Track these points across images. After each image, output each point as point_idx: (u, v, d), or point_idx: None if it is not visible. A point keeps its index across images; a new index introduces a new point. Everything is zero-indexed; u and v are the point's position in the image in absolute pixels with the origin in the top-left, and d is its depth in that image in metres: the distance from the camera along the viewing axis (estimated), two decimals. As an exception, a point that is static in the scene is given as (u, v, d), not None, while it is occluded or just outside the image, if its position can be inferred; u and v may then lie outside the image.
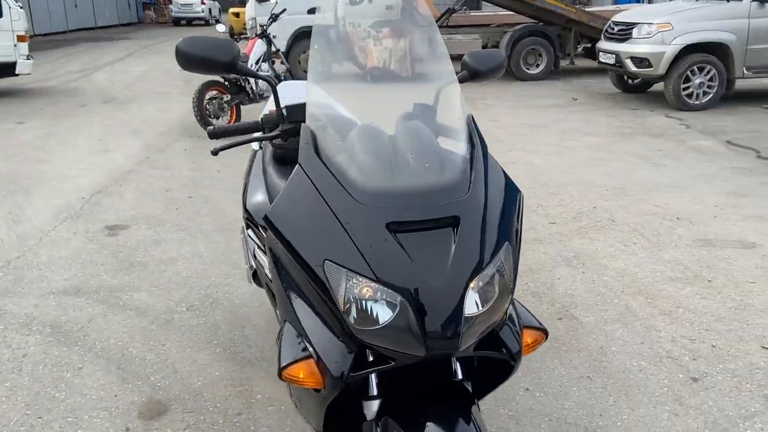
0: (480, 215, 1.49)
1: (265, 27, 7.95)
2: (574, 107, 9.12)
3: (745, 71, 8.71)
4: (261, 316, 3.33)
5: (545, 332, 1.69)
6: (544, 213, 4.86)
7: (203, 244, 4.31)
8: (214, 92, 7.31)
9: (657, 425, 2.49)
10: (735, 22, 8.56)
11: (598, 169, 5.96)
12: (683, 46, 8.50)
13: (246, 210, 2.71)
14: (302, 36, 11.26)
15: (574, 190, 5.39)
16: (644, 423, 2.50)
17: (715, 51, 8.57)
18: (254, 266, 2.80)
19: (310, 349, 1.51)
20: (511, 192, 1.61)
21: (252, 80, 7.69)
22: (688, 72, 8.55)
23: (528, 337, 1.65)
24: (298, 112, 1.82)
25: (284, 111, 1.83)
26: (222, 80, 7.31)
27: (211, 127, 1.88)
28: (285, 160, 2.61)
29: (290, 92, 3.10)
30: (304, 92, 3.14)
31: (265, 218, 1.58)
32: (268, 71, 7.97)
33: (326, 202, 1.49)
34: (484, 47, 11.78)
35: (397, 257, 1.40)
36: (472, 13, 14.04)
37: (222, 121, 7.33)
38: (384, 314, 1.38)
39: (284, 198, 1.58)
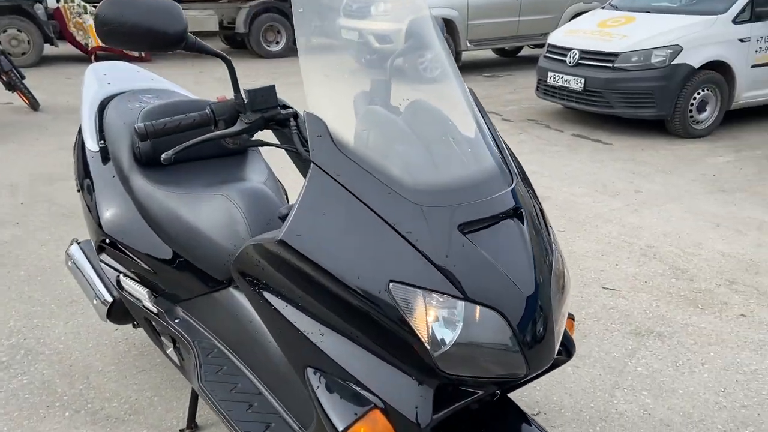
0: (530, 201, 1.32)
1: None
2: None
3: (468, 44, 9.62)
4: (105, 358, 2.70)
5: (572, 318, 1.59)
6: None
7: (-27, 281, 3.37)
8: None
9: (568, 380, 2.59)
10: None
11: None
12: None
13: (101, 230, 2.14)
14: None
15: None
16: (558, 380, 2.58)
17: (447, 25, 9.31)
18: (114, 299, 2.24)
19: (371, 398, 1.20)
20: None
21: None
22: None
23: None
24: (264, 97, 1.42)
25: (245, 97, 1.41)
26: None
27: (140, 125, 1.38)
28: (154, 160, 2.11)
29: (114, 76, 2.52)
30: (135, 76, 2.58)
31: (281, 243, 1.21)
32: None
33: (371, 209, 1.18)
34: (220, 24, 11.19)
35: (480, 264, 1.16)
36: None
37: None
38: (479, 335, 1.14)
39: (305, 212, 1.21)
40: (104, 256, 2.27)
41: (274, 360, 1.75)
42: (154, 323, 2.12)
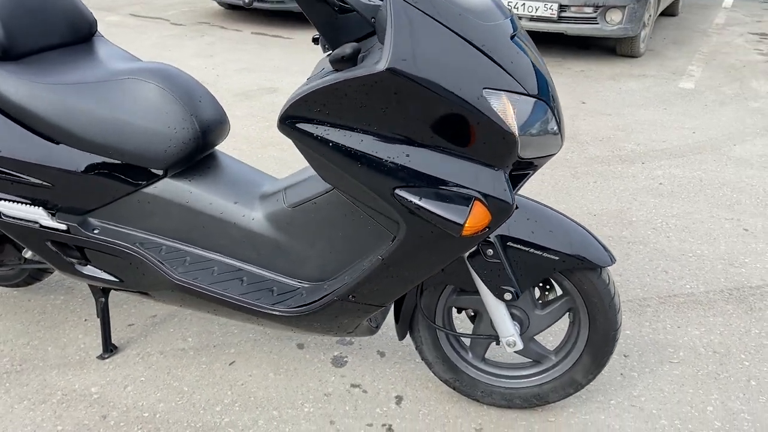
0: None
1: None
2: None
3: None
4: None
5: None
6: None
7: None
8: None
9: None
10: None
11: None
12: None
13: None
14: None
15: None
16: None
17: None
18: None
19: (469, 193, 1.42)
20: None
21: None
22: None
23: None
24: None
25: None
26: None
27: None
28: (12, 51, 1.78)
29: None
30: None
31: (389, 71, 1.30)
32: None
33: (452, 30, 1.35)
34: None
35: (527, 65, 1.45)
36: None
37: None
38: (542, 124, 1.45)
39: (402, 40, 1.31)
40: None
41: (242, 233, 1.76)
42: (58, 243, 1.83)
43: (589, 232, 1.66)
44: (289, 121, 1.44)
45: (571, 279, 1.66)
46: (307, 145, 1.45)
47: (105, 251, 1.80)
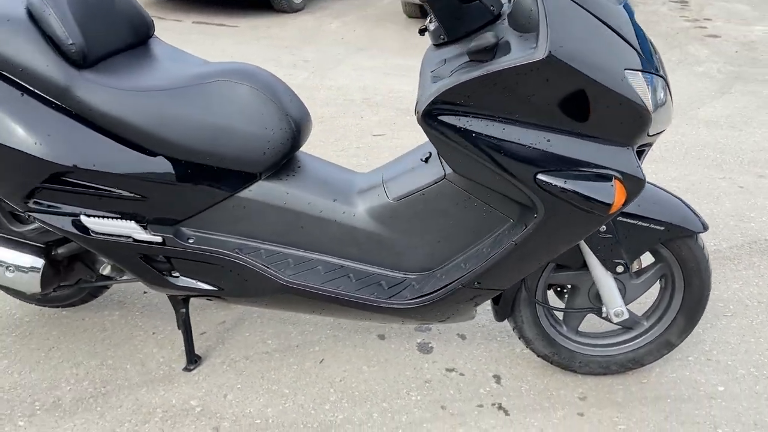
0: None
1: None
2: None
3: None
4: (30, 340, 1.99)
5: None
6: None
7: None
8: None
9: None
10: None
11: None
12: None
13: (45, 164, 1.65)
14: None
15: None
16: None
17: None
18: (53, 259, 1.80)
19: (610, 172, 1.48)
20: None
21: None
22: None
23: None
24: None
25: None
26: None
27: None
28: (89, 56, 1.69)
29: None
30: None
31: (549, 58, 1.33)
32: None
33: (593, 15, 1.40)
34: None
35: (649, 45, 1.52)
36: None
37: None
38: (664, 101, 1.52)
39: (557, 27, 1.34)
40: (39, 203, 1.68)
41: (343, 230, 1.75)
42: (151, 256, 1.75)
43: (682, 201, 1.76)
44: (433, 115, 1.45)
45: (669, 246, 1.76)
46: (449, 137, 1.46)
47: (201, 260, 1.74)
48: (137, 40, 1.85)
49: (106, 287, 2.12)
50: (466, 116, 1.44)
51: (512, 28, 1.46)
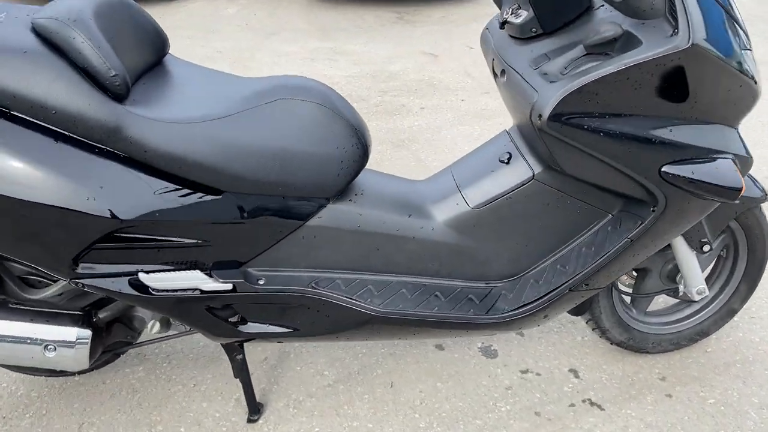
0: None
1: None
2: None
3: None
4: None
5: None
6: None
7: None
8: None
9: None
10: None
11: None
12: None
13: (110, 220, 1.40)
14: None
15: None
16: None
17: None
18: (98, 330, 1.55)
19: (727, 156, 1.45)
20: None
21: None
22: None
23: None
24: None
25: None
26: None
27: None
28: (127, 86, 1.43)
29: None
30: None
31: (695, 46, 1.27)
32: None
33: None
34: None
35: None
36: None
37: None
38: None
39: (695, 14, 1.28)
40: (88, 267, 1.38)
41: (422, 246, 1.62)
42: (220, 306, 1.51)
43: None
44: (561, 119, 1.33)
45: (737, 218, 1.78)
46: (574, 138, 1.36)
47: (274, 302, 1.53)
48: (156, 59, 1.58)
49: (130, 344, 1.84)
50: (591, 116, 1.35)
51: (627, 15, 1.37)
